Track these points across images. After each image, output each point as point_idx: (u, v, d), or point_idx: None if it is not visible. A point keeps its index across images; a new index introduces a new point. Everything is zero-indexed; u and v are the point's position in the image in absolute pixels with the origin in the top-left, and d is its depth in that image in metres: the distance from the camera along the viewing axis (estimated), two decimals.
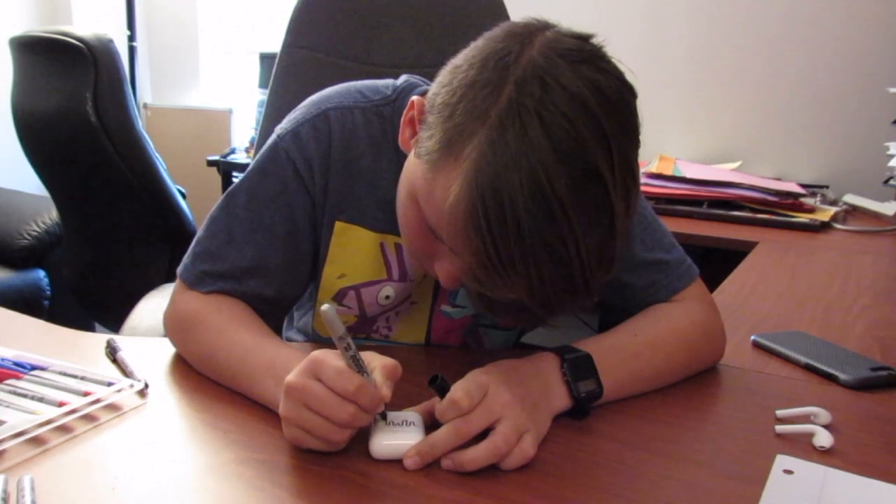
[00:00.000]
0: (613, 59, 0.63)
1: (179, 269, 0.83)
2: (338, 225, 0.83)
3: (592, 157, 0.57)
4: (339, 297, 0.86)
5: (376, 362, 0.62)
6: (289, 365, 0.64)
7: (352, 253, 0.84)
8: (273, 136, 0.83)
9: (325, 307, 0.58)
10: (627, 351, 0.76)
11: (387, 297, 0.86)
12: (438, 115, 0.63)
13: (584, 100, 0.57)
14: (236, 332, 0.75)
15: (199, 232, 0.84)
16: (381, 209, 0.82)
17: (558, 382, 0.70)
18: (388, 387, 0.61)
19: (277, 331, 1.07)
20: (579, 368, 0.70)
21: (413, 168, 0.67)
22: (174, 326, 0.82)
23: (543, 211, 0.56)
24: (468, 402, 0.61)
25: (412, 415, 0.65)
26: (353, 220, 0.83)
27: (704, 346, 0.83)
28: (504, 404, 0.62)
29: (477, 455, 0.60)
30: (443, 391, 0.63)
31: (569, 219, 0.56)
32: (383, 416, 0.63)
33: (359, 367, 0.60)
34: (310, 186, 0.81)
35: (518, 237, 0.56)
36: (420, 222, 0.67)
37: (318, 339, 0.94)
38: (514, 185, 0.56)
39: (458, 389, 0.62)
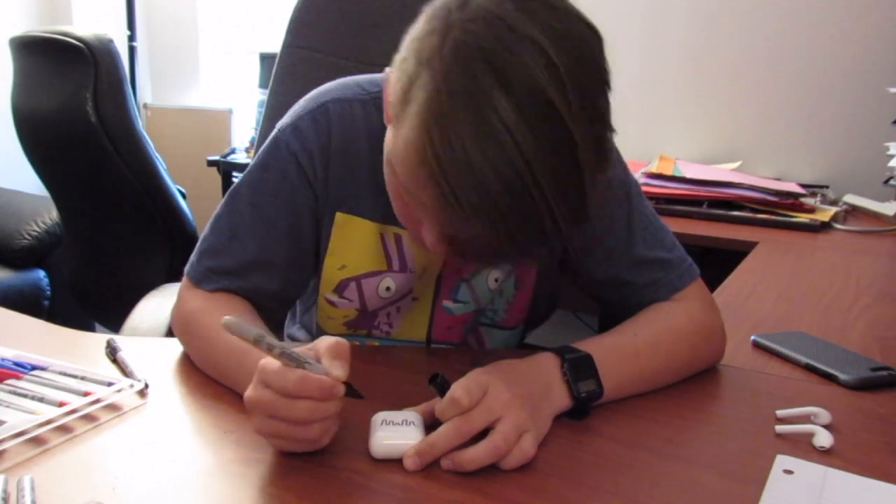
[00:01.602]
0: (572, 2, 0.62)
1: (186, 268, 0.84)
2: (338, 216, 0.84)
3: (540, 84, 0.55)
4: (339, 290, 0.87)
5: (322, 345, 0.61)
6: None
7: (352, 244, 0.85)
8: (274, 131, 0.83)
9: (224, 319, 0.58)
10: (628, 351, 0.76)
11: (387, 289, 0.86)
12: (396, 73, 0.64)
13: (528, 33, 0.56)
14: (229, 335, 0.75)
15: (205, 230, 0.85)
16: (381, 200, 0.82)
17: (559, 382, 0.69)
18: (339, 366, 0.60)
19: (280, 327, 1.07)
20: (579, 368, 0.70)
21: (388, 135, 0.68)
22: (179, 325, 0.83)
23: (490, 139, 0.55)
24: (468, 400, 0.61)
25: (412, 414, 0.65)
26: (354, 211, 0.84)
27: (705, 345, 0.83)
28: (504, 403, 0.62)
29: (477, 455, 0.60)
30: (443, 390, 0.63)
31: (519, 147, 0.55)
32: (357, 395, 0.61)
33: (296, 361, 0.59)
34: (311, 178, 0.82)
35: (469, 170, 0.56)
36: (398, 186, 0.67)
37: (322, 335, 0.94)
38: (458, 116, 0.56)
39: (457, 388, 0.62)
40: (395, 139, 0.63)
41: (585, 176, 0.58)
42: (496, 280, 0.88)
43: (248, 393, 0.60)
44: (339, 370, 0.59)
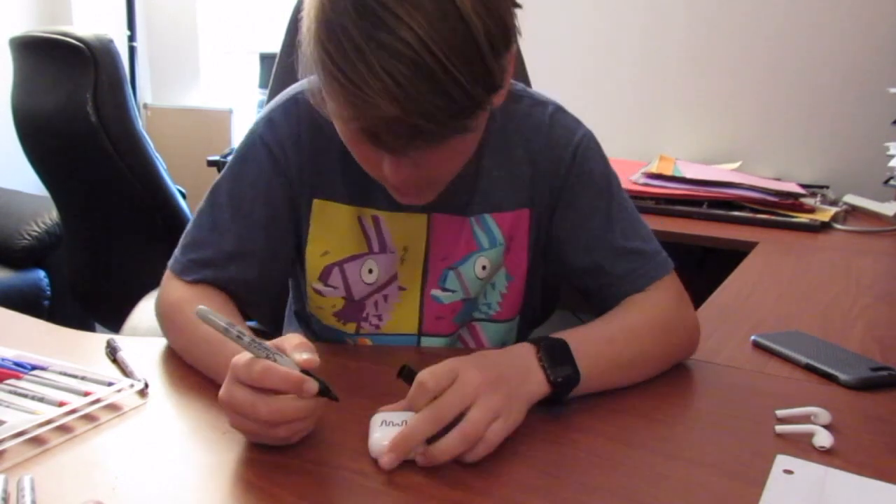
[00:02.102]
0: None
1: (170, 261, 0.86)
2: (316, 203, 0.86)
3: None
4: (324, 277, 0.89)
5: (287, 343, 0.62)
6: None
7: (332, 229, 0.87)
8: (251, 125, 0.87)
9: (197, 308, 0.59)
10: (602, 338, 0.77)
11: (370, 272, 0.88)
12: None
13: None
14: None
15: (188, 225, 0.87)
16: (355, 183, 0.85)
17: (535, 368, 0.69)
18: (307, 354, 0.61)
19: (275, 319, 1.08)
20: (555, 354, 0.71)
21: None
22: (160, 318, 0.85)
23: (373, 22, 0.58)
24: (434, 382, 0.62)
25: (409, 415, 0.64)
26: (330, 197, 0.86)
27: (678, 337, 0.84)
28: (476, 387, 0.62)
29: (447, 445, 0.60)
30: (410, 380, 0.63)
31: (401, 20, 0.58)
32: (332, 397, 0.61)
33: (265, 352, 0.59)
34: (285, 167, 0.85)
35: (359, 56, 0.59)
36: (346, 131, 0.69)
37: (319, 327, 0.94)
38: (341, 16, 0.59)
39: (424, 373, 0.63)
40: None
41: (476, 32, 0.60)
42: (483, 268, 0.89)
43: (221, 392, 0.61)
44: (306, 355, 0.61)
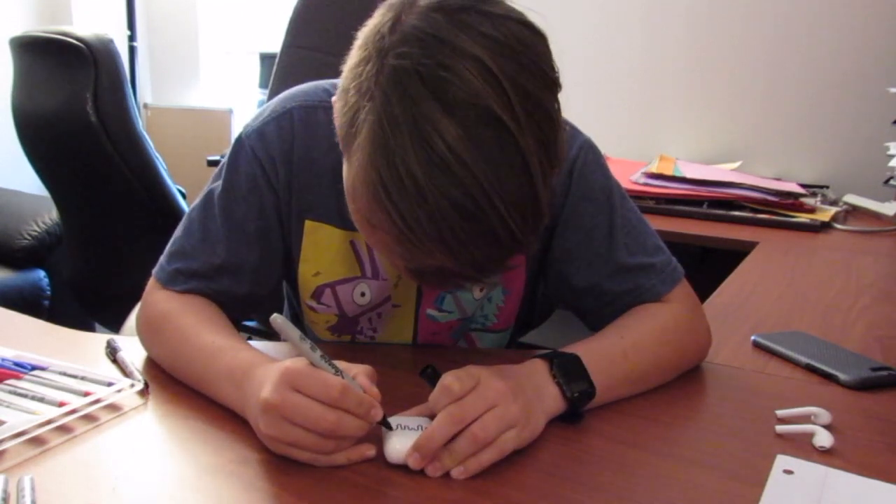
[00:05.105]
0: (509, 3, 0.60)
1: (155, 269, 0.84)
2: (308, 224, 0.84)
3: (482, 100, 0.54)
4: (317, 296, 0.87)
5: (355, 368, 0.62)
6: (248, 370, 0.64)
7: (324, 251, 0.85)
8: (241, 133, 0.83)
9: (273, 316, 0.58)
10: (615, 353, 0.75)
11: (362, 295, 0.86)
12: (339, 104, 0.63)
13: (463, 46, 0.55)
14: (199, 336, 0.74)
15: (177, 231, 0.84)
16: (347, 208, 0.82)
17: (550, 385, 0.68)
18: (374, 385, 0.61)
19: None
20: (569, 370, 0.69)
21: (344, 167, 0.66)
22: (144, 328, 0.82)
23: (439, 167, 0.54)
24: (459, 386, 0.61)
25: (424, 420, 0.64)
26: (322, 219, 0.84)
27: (690, 345, 0.82)
28: (497, 392, 0.62)
29: (453, 448, 0.59)
30: (433, 381, 0.63)
31: (469, 169, 0.54)
32: (387, 425, 0.62)
33: (335, 369, 0.60)
34: (274, 183, 0.82)
35: (421, 200, 0.54)
36: (361, 218, 0.66)
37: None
38: (404, 147, 0.54)
39: (448, 375, 0.62)
40: (349, 172, 0.62)
41: (538, 183, 0.57)
42: (481, 290, 0.88)
43: (269, 395, 0.58)
44: (376, 390, 0.61)
